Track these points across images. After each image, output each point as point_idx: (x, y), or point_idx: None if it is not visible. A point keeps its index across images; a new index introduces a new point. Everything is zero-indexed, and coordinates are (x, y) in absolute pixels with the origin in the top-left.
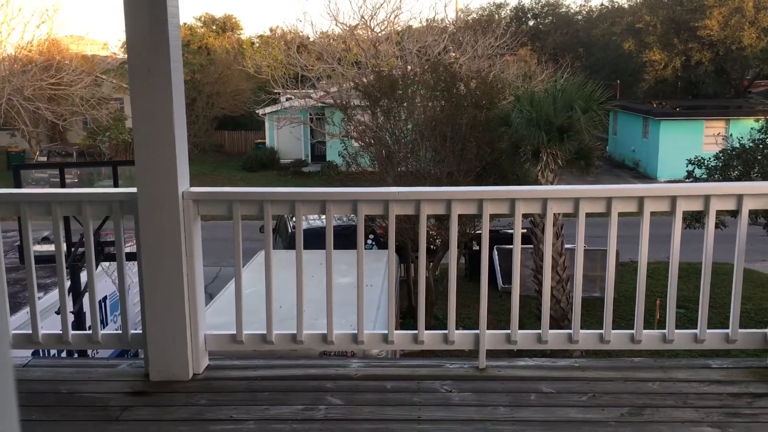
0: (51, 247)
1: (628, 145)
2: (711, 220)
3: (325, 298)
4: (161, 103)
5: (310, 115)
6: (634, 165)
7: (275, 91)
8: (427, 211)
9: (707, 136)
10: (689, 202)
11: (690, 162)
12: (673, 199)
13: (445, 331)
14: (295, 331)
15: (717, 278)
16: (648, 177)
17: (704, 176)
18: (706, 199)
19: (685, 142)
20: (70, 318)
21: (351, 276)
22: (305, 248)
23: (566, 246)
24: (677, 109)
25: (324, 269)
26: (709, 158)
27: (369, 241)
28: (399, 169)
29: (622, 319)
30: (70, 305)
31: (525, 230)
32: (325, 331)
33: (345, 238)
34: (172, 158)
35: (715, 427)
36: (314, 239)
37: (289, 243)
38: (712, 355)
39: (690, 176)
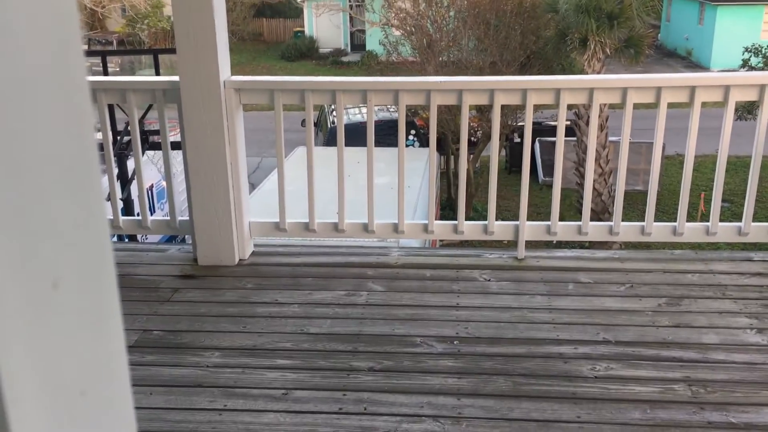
0: (97, 135)
1: (681, 33)
2: (765, 111)
3: (360, 197)
4: None
5: (350, 2)
6: (687, 54)
7: None
8: (470, 101)
9: (766, 23)
10: (743, 92)
11: (746, 50)
12: (726, 89)
13: (485, 222)
14: (336, 221)
15: (766, 172)
16: (701, 66)
17: (760, 65)
18: (762, 88)
19: (742, 30)
20: (120, 205)
21: (388, 176)
22: (345, 145)
23: (610, 138)
24: None
25: (360, 168)
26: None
27: (410, 137)
28: (440, 58)
29: (664, 213)
30: (119, 192)
31: (568, 122)
32: (366, 221)
33: (385, 134)
34: (212, 46)
35: (752, 318)
36: (354, 135)
37: (328, 139)
38: (755, 249)
39: (745, 65)
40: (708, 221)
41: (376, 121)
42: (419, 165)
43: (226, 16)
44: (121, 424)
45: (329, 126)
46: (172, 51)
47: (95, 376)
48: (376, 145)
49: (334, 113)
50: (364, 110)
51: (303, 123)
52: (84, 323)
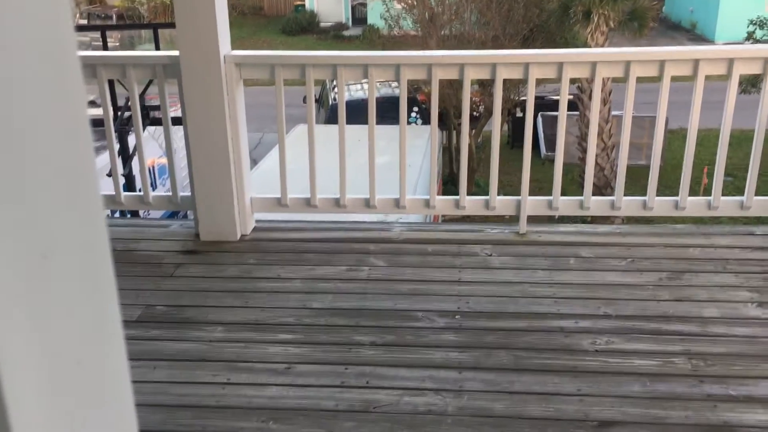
0: (98, 111)
1: (686, 6)
2: None
3: (360, 176)
4: None
5: None
6: (691, 27)
7: None
8: (472, 75)
9: None
10: (747, 65)
11: (752, 23)
12: (730, 62)
13: (487, 197)
14: (338, 196)
15: None
16: (705, 39)
17: (766, 38)
18: (766, 61)
19: (747, 2)
20: (122, 180)
21: (388, 155)
22: (346, 122)
23: (613, 113)
24: None
25: (361, 146)
26: None
27: (413, 114)
28: (442, 32)
29: (667, 188)
30: (120, 168)
31: (571, 96)
32: (368, 196)
33: (387, 111)
34: (212, 21)
35: (753, 292)
36: (355, 112)
37: (329, 116)
38: (757, 223)
39: (750, 38)
40: (710, 195)
41: (378, 98)
42: (420, 143)
43: None
44: (117, 393)
45: (330, 103)
46: (172, 25)
47: (91, 346)
48: (377, 123)
49: (336, 89)
50: (366, 86)
51: (305, 100)
52: (77, 293)
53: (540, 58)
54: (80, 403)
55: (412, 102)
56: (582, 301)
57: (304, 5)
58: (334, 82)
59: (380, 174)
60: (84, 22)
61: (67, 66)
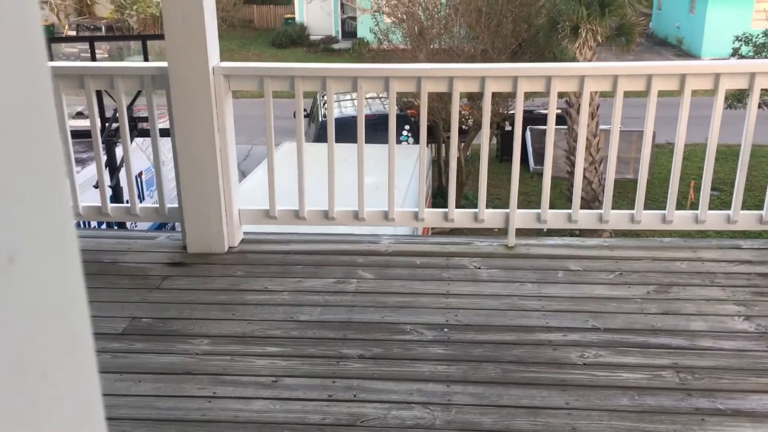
0: (85, 122)
1: (672, 22)
2: (754, 99)
3: (346, 196)
4: None
5: None
6: (678, 42)
7: None
8: (461, 88)
9: (757, 11)
10: (733, 80)
11: (737, 39)
12: (717, 77)
13: (476, 210)
14: (326, 208)
15: (755, 160)
16: (692, 55)
17: (751, 54)
18: (751, 76)
19: (733, 19)
20: (109, 192)
21: (375, 175)
22: (336, 140)
23: (601, 127)
24: None
25: (347, 166)
26: (758, 35)
27: (404, 132)
28: (432, 46)
29: (654, 202)
30: (107, 179)
31: (559, 110)
32: (357, 208)
33: (378, 129)
34: (201, 33)
35: (740, 305)
36: (345, 129)
37: (319, 133)
38: (744, 237)
39: (736, 54)
40: (697, 209)
41: (370, 115)
42: (409, 163)
43: (214, 2)
44: (86, 407)
45: (320, 120)
46: (161, 37)
47: (58, 357)
48: (368, 141)
49: (326, 106)
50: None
51: (295, 115)
52: (45, 301)
53: (529, 72)
54: (47, 416)
55: (403, 120)
56: (570, 314)
57: (294, 18)
58: (325, 98)
59: (367, 195)
60: (73, 33)
61: (35, 66)
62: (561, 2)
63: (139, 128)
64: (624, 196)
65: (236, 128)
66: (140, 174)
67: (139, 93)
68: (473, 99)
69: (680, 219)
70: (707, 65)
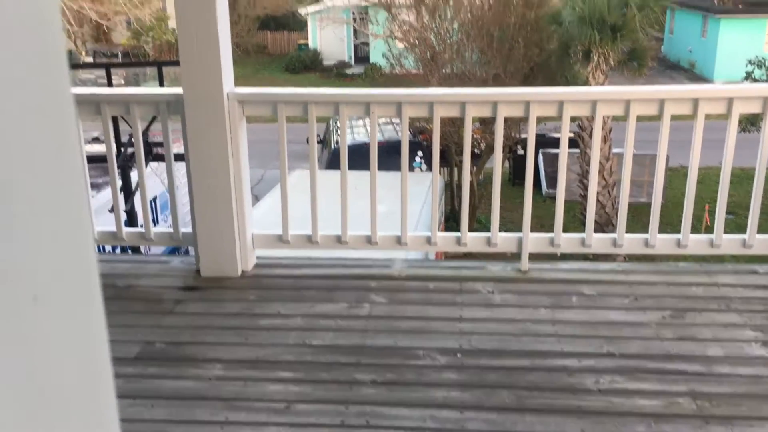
0: (101, 147)
1: (684, 45)
2: None
3: (356, 220)
4: (205, 3)
5: (353, 14)
6: (690, 66)
7: None
8: (473, 113)
9: None
10: (746, 104)
11: (750, 62)
12: (730, 101)
13: (489, 234)
14: (339, 233)
15: None
16: (704, 79)
17: (764, 78)
18: (765, 101)
19: (745, 42)
20: (123, 216)
21: (386, 204)
22: (348, 167)
23: (614, 150)
24: (739, 6)
25: (358, 194)
26: None
27: (417, 159)
28: (444, 70)
29: (668, 225)
30: (122, 204)
31: (572, 134)
32: (369, 233)
33: (391, 156)
34: (216, 59)
35: (757, 331)
36: (358, 156)
37: (331, 160)
38: (760, 261)
39: (749, 78)
40: (712, 233)
41: (382, 142)
42: (421, 190)
43: (229, 29)
44: None
45: (332, 146)
46: (176, 63)
47: (80, 394)
48: (380, 168)
49: (339, 133)
50: (370, 128)
51: (309, 140)
52: (67, 337)
53: (541, 97)
54: None
55: (416, 146)
56: (585, 339)
57: (307, 44)
58: (338, 124)
59: (378, 221)
60: (90, 59)
61: (60, 101)
62: (573, 27)
63: (154, 153)
64: (638, 220)
65: (249, 152)
66: (155, 198)
67: (154, 118)
68: (485, 123)
69: (695, 243)
70: (720, 89)
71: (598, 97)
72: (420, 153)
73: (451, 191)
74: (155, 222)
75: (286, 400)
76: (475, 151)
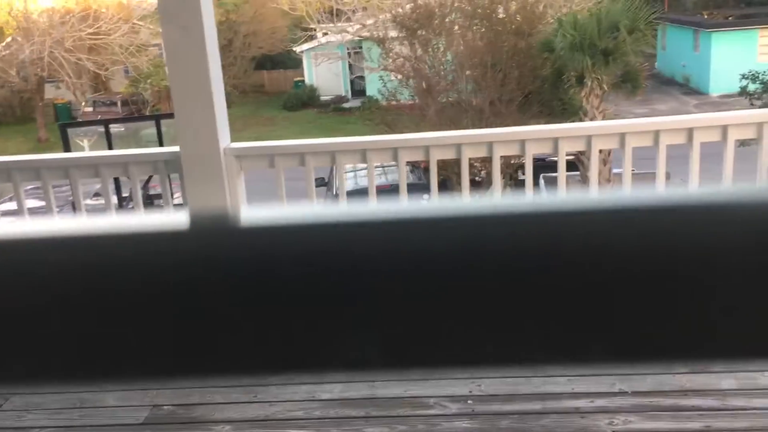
0: (102, 202)
1: (678, 60)
2: (765, 149)
3: None
4: (196, 63)
5: (348, 50)
6: (685, 81)
7: (311, 26)
8: (469, 154)
9: (762, 46)
10: (742, 131)
11: (743, 77)
12: (724, 129)
13: None
14: None
15: None
16: (699, 92)
17: (759, 90)
18: (759, 126)
19: (738, 54)
20: None
21: None
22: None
23: (614, 171)
24: (729, 19)
25: None
26: (765, 72)
27: (426, 197)
28: (440, 99)
29: None
30: None
31: (572, 156)
32: None
33: (396, 199)
34: (211, 116)
35: None
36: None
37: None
38: None
39: (744, 93)
40: None
41: (386, 185)
42: None
43: (222, 83)
44: None
45: (334, 192)
46: (173, 116)
47: None
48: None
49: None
50: (375, 173)
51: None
52: None
53: (535, 134)
54: None
55: (422, 188)
56: (596, 377)
57: (303, 81)
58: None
59: None
60: (89, 109)
61: None
62: (565, 53)
63: (155, 205)
64: None
65: (248, 191)
66: None
67: (150, 178)
68: None
69: None
70: (714, 117)
71: (593, 132)
72: (426, 196)
73: None
74: None
75: None
76: (476, 178)
